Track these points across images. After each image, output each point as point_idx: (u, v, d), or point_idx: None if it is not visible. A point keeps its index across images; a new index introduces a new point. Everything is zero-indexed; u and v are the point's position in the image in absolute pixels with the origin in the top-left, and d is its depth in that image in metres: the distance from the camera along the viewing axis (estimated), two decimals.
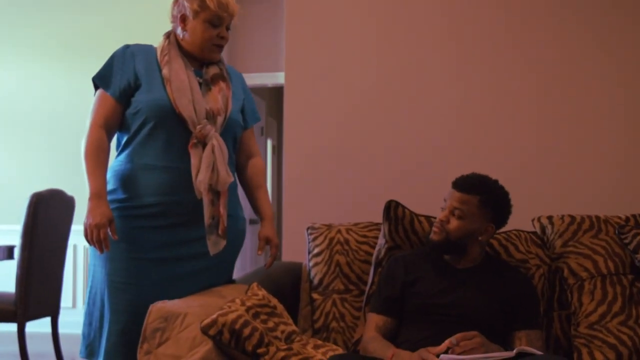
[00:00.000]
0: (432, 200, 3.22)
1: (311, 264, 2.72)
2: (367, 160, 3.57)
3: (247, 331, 2.11)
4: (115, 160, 2.47)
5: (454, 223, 2.35)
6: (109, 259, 2.36)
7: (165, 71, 2.42)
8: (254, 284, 2.46)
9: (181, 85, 2.40)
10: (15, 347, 4.17)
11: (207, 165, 2.36)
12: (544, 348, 2.30)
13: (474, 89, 3.55)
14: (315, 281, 2.68)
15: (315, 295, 2.67)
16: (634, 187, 3.37)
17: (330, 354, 2.24)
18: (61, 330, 4.50)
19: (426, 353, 2.06)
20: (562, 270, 2.50)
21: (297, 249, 2.81)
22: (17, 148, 6.16)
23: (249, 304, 2.26)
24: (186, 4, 2.46)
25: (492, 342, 2.12)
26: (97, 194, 2.31)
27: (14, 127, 6.17)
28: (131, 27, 5.94)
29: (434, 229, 2.39)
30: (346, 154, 3.57)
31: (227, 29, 2.51)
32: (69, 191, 4.51)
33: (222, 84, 2.52)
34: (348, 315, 2.60)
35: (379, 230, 2.76)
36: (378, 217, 3.20)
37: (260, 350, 2.10)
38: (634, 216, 2.60)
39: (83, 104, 5.98)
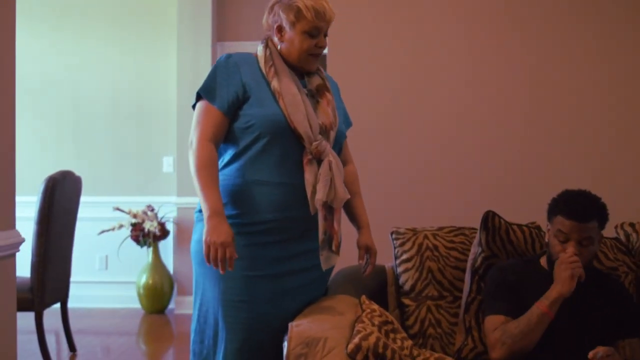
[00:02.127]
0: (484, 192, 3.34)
1: (400, 269, 2.77)
2: (415, 145, 3.57)
3: (388, 354, 2.14)
4: (220, 174, 2.41)
5: (585, 253, 2.41)
6: (222, 278, 2.31)
7: (274, 84, 2.36)
8: (364, 297, 2.49)
9: (294, 100, 2.35)
10: (27, 323, 4.03)
11: (325, 182, 2.34)
12: None
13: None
14: (407, 287, 2.73)
15: (406, 301, 2.72)
16: None
17: None
18: None
19: None
20: None
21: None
22: None
23: (376, 322, 2.30)
24: (282, 14, 2.38)
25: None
26: (217, 211, 2.26)
27: None
28: None
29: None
30: (394, 139, 3.57)
31: (325, 35, 2.46)
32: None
33: (328, 96, 2.48)
34: (444, 321, 2.68)
35: (464, 235, 2.82)
36: (439, 209, 3.30)
37: None
38: None
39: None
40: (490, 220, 2.67)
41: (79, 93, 5.98)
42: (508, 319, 2.44)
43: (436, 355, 2.40)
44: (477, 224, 2.83)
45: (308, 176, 2.34)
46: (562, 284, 2.34)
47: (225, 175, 2.38)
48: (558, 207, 2.46)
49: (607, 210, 2.46)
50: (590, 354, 2.20)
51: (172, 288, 5.74)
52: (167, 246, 5.85)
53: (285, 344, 2.21)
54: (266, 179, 2.34)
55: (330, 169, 2.36)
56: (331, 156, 2.37)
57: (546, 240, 2.51)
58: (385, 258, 2.88)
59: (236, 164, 2.37)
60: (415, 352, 2.36)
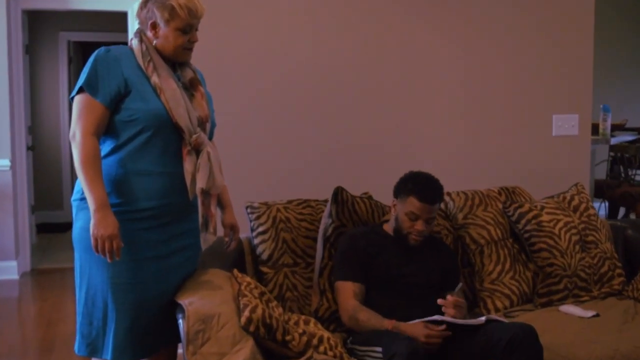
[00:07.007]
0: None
1: (257, 240, 3.04)
2: (269, 127, 3.84)
3: (274, 323, 2.45)
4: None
5: (429, 228, 2.88)
6: (110, 263, 2.44)
7: (155, 79, 2.49)
8: (236, 271, 2.74)
9: (174, 95, 2.50)
10: None
11: (205, 171, 2.55)
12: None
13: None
14: (264, 256, 3.02)
15: (264, 269, 3.01)
16: (497, 163, 4.11)
17: (320, 327, 2.67)
18: None
19: (426, 325, 2.60)
20: (465, 238, 3.20)
21: None
22: None
23: (256, 294, 2.58)
24: (156, 12, 2.49)
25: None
26: (103, 203, 2.38)
27: None
28: None
29: (416, 237, 2.85)
30: (250, 122, 3.81)
31: (196, 30, 2.61)
32: None
33: (201, 89, 2.64)
34: (300, 285, 3.01)
35: (310, 207, 3.16)
36: (286, 184, 3.63)
37: (287, 338, 2.46)
38: (503, 189, 3.39)
39: None
40: (339, 194, 3.03)
41: None
42: (355, 284, 2.84)
43: (303, 317, 2.74)
44: (318, 196, 3.21)
45: (187, 166, 2.52)
46: (415, 335, 2.57)
47: (107, 166, 2.48)
48: (410, 189, 2.86)
49: (443, 194, 2.95)
50: (440, 301, 2.68)
51: None
52: None
53: (181, 322, 2.41)
54: (149, 168, 2.49)
55: (209, 159, 2.56)
56: (209, 147, 2.57)
57: (393, 213, 2.92)
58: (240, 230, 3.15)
59: (118, 154, 2.48)
60: (286, 317, 2.68)
